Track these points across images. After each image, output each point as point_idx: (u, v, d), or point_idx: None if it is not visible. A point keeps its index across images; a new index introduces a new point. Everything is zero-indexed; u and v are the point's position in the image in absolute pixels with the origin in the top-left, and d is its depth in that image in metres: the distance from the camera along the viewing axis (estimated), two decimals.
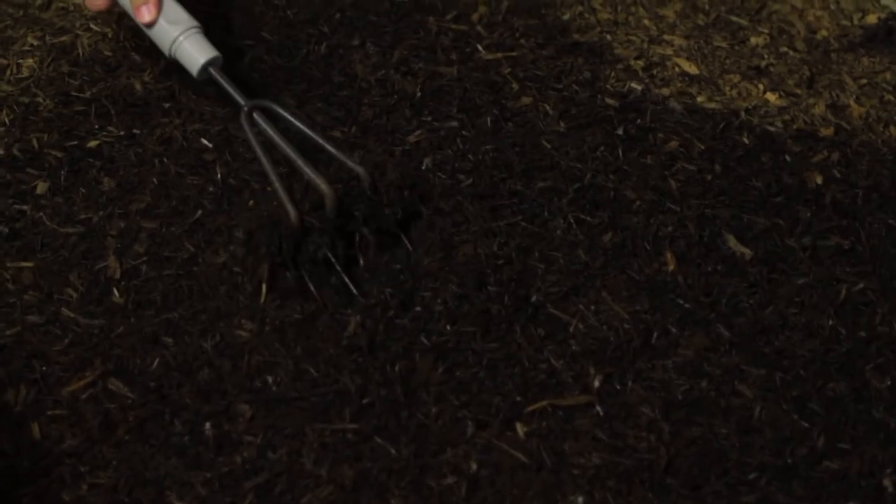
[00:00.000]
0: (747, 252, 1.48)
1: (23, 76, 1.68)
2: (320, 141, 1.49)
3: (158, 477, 1.24)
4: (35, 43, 1.73)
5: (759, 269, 1.47)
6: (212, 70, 1.54)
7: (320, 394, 1.31)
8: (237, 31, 1.75)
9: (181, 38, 1.53)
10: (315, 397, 1.31)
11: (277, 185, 1.41)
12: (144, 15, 1.52)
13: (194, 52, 1.53)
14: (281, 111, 1.50)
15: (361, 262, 1.45)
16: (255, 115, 1.49)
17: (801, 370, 1.37)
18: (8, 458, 1.25)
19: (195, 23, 1.55)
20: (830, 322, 1.42)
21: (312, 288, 1.40)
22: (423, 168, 1.56)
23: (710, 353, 1.38)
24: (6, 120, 1.60)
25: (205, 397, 1.30)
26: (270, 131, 1.48)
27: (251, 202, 1.50)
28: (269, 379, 1.32)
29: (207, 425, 1.28)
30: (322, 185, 1.41)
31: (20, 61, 1.70)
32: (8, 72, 1.68)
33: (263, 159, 1.44)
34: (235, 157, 1.57)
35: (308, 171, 1.43)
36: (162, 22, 1.54)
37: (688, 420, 1.31)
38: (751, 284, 1.45)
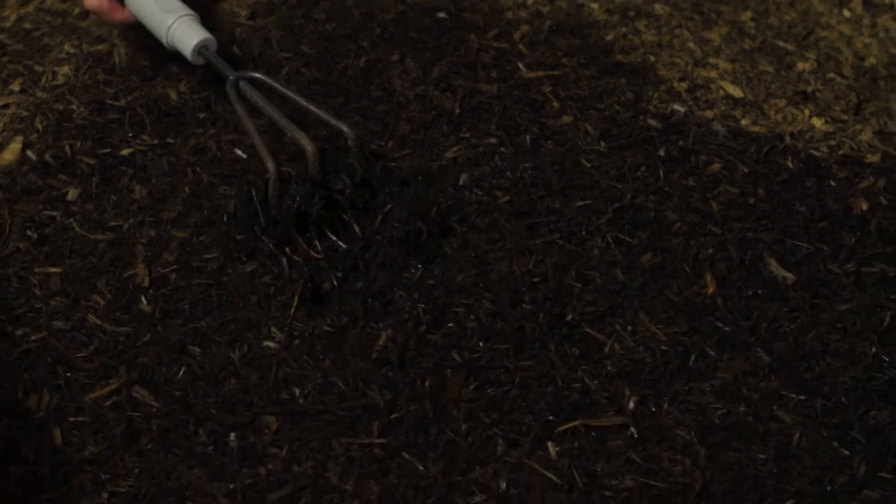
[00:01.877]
0: (789, 276, 1.45)
1: (58, 83, 1.66)
2: (304, 103, 1.50)
3: (180, 487, 1.22)
4: (72, 51, 1.72)
5: (801, 294, 1.43)
6: (204, 52, 1.55)
7: (348, 407, 1.28)
8: (275, 44, 1.73)
9: (175, 25, 1.55)
10: (342, 411, 1.28)
11: (257, 139, 1.44)
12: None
13: (186, 35, 1.55)
14: (268, 80, 1.53)
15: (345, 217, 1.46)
16: (242, 84, 1.51)
17: (843, 397, 1.33)
18: (28, 464, 1.23)
19: (189, 11, 1.57)
20: (873, 349, 1.38)
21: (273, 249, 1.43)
22: (461, 184, 1.53)
23: (748, 377, 1.35)
24: (40, 126, 1.59)
25: (230, 408, 1.28)
26: (255, 97, 1.50)
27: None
28: (297, 391, 1.30)
29: (232, 436, 1.26)
30: (304, 140, 1.43)
31: (56, 69, 1.69)
32: (43, 79, 1.67)
33: (245, 119, 1.47)
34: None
35: (291, 130, 1.45)
36: (156, 12, 1.56)
37: (724, 444, 1.28)
38: (792, 309, 1.42)
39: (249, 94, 1.50)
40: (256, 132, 1.45)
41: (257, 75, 1.53)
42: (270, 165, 1.41)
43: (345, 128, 1.46)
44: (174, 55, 1.60)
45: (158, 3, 1.56)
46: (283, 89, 1.52)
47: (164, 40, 1.57)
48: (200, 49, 1.55)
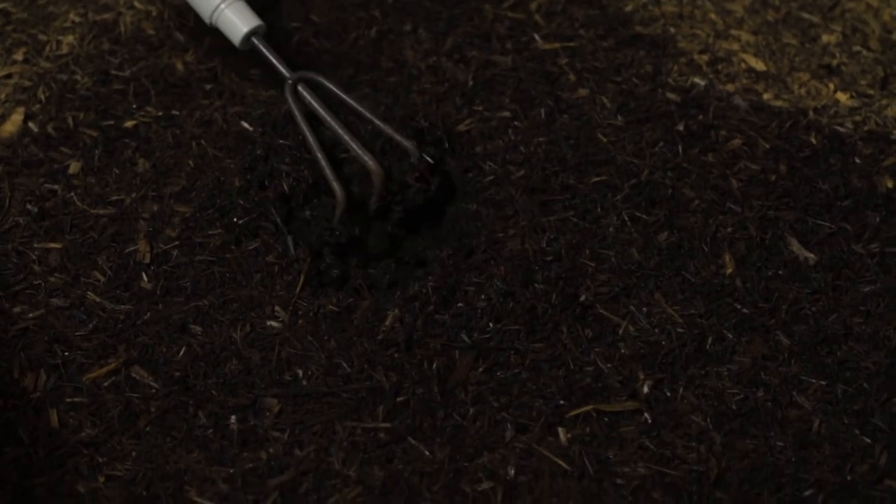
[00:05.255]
0: (811, 257, 1.41)
1: (62, 53, 1.63)
2: (368, 115, 1.44)
3: (179, 471, 1.19)
4: (76, 20, 1.68)
5: (824, 275, 1.39)
6: (255, 40, 1.49)
7: (352, 390, 1.25)
8: (284, 13, 1.70)
9: (223, 5, 1.49)
10: (347, 393, 1.25)
11: (323, 162, 1.38)
12: None
13: (237, 20, 1.49)
14: (327, 84, 1.46)
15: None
16: (300, 88, 1.45)
17: (865, 383, 1.30)
18: (23, 446, 1.20)
19: None
20: None
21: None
22: (474, 155, 1.49)
23: (767, 361, 1.31)
24: (42, 97, 1.56)
25: (231, 389, 1.25)
26: (316, 105, 1.44)
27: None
28: (300, 372, 1.27)
29: (233, 419, 1.23)
30: (370, 161, 1.37)
31: (60, 38, 1.65)
32: (47, 48, 1.64)
33: (308, 135, 1.40)
34: (277, 139, 1.50)
35: (355, 147, 1.39)
36: None
37: (741, 431, 1.24)
38: (814, 291, 1.38)
39: (309, 100, 1.45)
40: (321, 150, 1.39)
41: (317, 77, 1.47)
42: (339, 193, 1.36)
43: (409, 146, 1.42)
44: (182, 24, 1.57)
45: None
46: (344, 97, 1.46)
47: (207, 20, 1.52)
48: (251, 36, 1.50)
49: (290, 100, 1.44)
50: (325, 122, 1.43)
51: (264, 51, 1.49)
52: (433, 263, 1.38)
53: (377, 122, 1.44)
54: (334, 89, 1.46)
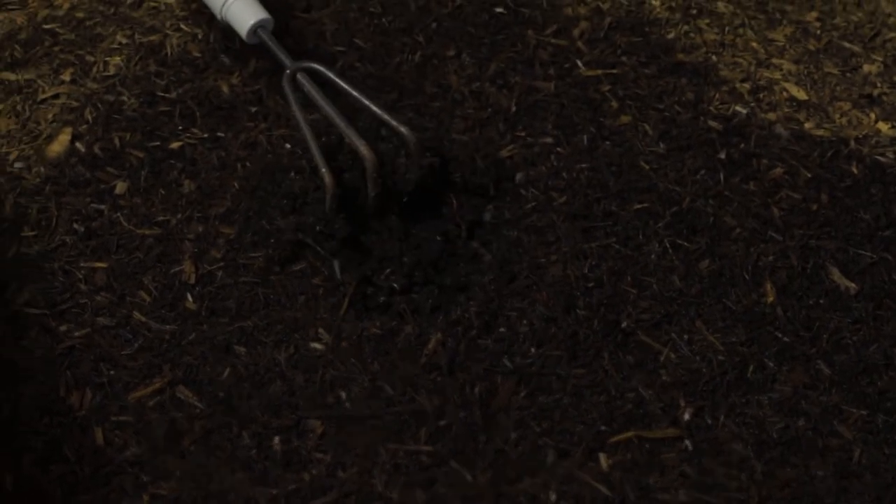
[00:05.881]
0: (852, 286, 1.41)
1: (109, 74, 1.65)
2: (367, 103, 1.44)
3: (222, 491, 1.19)
4: (124, 41, 1.70)
5: (865, 305, 1.39)
6: (261, 32, 1.51)
7: (395, 413, 1.26)
8: (329, 38, 1.71)
9: (230, 2, 1.52)
10: (390, 416, 1.26)
11: (314, 148, 1.38)
12: None
13: (244, 13, 1.51)
14: (328, 73, 1.47)
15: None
16: (299, 77, 1.46)
17: None
18: (69, 463, 1.21)
19: None
20: None
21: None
22: (516, 182, 1.50)
23: (808, 390, 1.31)
24: (89, 118, 1.57)
25: (275, 411, 1.26)
26: (314, 92, 1.44)
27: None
28: (343, 395, 1.28)
29: (276, 440, 1.23)
30: (361, 147, 1.37)
31: (107, 59, 1.67)
32: (94, 69, 1.65)
33: (302, 122, 1.41)
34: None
35: (349, 134, 1.38)
36: None
37: (782, 460, 1.24)
38: (855, 320, 1.38)
39: (307, 88, 1.45)
40: (314, 137, 1.39)
41: (316, 66, 1.48)
42: (328, 179, 1.36)
43: (405, 130, 1.41)
44: (226, 48, 1.58)
45: None
46: (342, 83, 1.46)
47: (218, 15, 1.54)
48: (257, 29, 1.51)
49: (286, 89, 1.45)
50: (321, 108, 1.43)
51: (268, 42, 1.50)
52: (475, 288, 1.38)
53: (374, 108, 1.43)
54: (334, 78, 1.46)
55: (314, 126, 1.43)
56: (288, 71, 1.46)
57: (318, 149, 1.38)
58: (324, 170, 1.36)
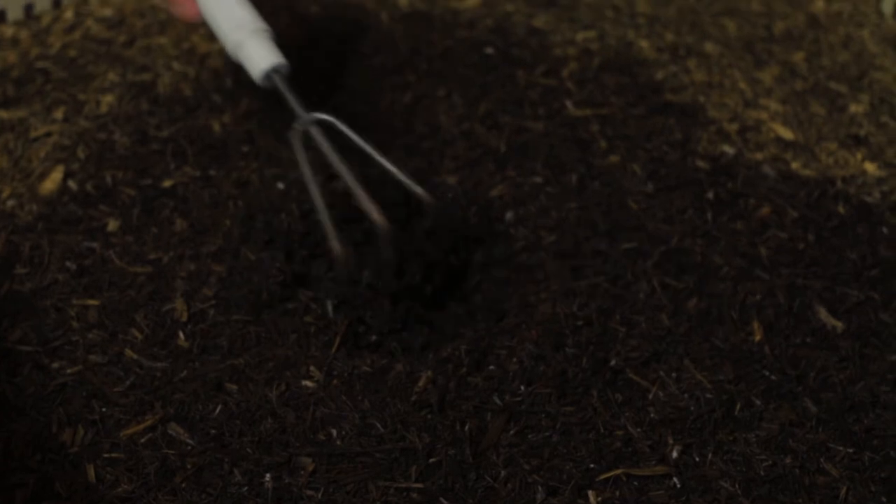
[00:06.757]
0: (839, 325, 1.42)
1: (101, 112, 1.66)
2: (386, 164, 1.40)
3: None
4: (115, 80, 1.71)
5: (851, 343, 1.40)
6: (275, 78, 1.44)
7: (386, 450, 1.26)
8: (320, 76, 1.72)
9: (245, 40, 1.44)
10: (380, 453, 1.26)
11: (325, 216, 1.35)
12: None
13: (257, 55, 1.44)
14: (344, 129, 1.40)
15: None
16: (313, 131, 1.40)
17: (892, 451, 1.30)
18: (60, 500, 1.21)
19: (263, 25, 1.46)
20: None
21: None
22: (505, 222, 1.51)
23: (795, 428, 1.31)
24: (82, 156, 1.58)
25: (266, 448, 1.26)
26: (327, 149, 1.38)
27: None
28: (334, 432, 1.28)
29: (267, 477, 1.23)
30: (378, 217, 1.33)
31: (99, 97, 1.68)
32: (86, 108, 1.66)
33: (311, 184, 1.37)
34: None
35: (364, 200, 1.34)
36: (228, 20, 1.46)
37: (769, 497, 1.25)
38: (841, 359, 1.39)
39: (320, 144, 1.39)
40: (325, 208, 1.34)
41: (331, 119, 1.40)
42: (338, 251, 1.34)
43: (424, 195, 1.39)
44: (219, 86, 1.59)
45: (231, 11, 1.46)
46: (360, 142, 1.39)
47: (230, 52, 1.47)
48: (270, 74, 1.44)
49: (294, 145, 1.41)
50: (336, 169, 1.38)
51: (283, 90, 1.44)
52: (465, 328, 1.39)
53: (391, 168, 1.39)
54: (351, 135, 1.40)
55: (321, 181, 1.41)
56: (296, 126, 1.41)
57: (329, 218, 1.35)
58: (335, 242, 1.34)
